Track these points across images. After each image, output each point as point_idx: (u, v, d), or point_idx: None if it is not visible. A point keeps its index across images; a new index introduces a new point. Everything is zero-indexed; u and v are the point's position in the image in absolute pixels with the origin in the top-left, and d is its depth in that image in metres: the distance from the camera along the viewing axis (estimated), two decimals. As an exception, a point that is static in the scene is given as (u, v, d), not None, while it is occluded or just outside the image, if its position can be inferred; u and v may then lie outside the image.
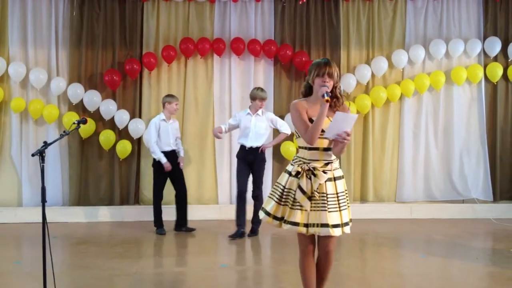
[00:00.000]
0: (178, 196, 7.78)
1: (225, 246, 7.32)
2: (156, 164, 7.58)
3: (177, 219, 7.78)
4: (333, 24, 9.04)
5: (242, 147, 7.37)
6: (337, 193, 3.83)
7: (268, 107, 8.90)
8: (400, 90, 8.98)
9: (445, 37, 9.11)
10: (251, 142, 7.29)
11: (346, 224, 3.85)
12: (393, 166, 9.15)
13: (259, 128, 7.33)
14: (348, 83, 8.84)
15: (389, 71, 9.07)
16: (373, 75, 8.98)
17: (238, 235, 7.20)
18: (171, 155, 7.60)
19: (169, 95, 7.81)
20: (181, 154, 7.83)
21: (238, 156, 7.45)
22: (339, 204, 3.82)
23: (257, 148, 7.30)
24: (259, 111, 7.36)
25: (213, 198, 8.94)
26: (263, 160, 7.41)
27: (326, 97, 3.64)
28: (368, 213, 8.67)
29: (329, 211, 3.75)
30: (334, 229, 3.73)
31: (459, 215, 8.79)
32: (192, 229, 7.73)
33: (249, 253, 6.79)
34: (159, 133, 7.55)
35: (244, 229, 7.27)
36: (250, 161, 7.30)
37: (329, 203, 3.77)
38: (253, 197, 7.30)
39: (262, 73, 9.04)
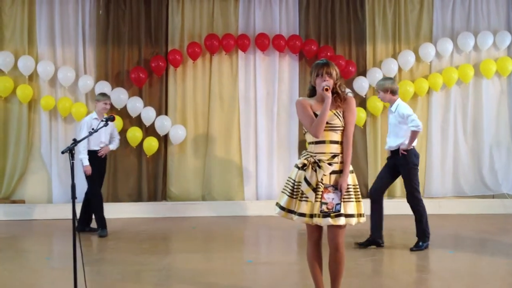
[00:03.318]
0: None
1: (251, 242, 7.36)
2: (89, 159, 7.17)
3: (86, 218, 7.49)
4: (358, 18, 8.98)
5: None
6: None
7: (293, 103, 8.87)
8: (427, 84, 8.87)
9: (474, 30, 8.98)
10: (386, 143, 6.40)
11: (352, 215, 3.95)
12: (421, 161, 8.99)
13: (392, 125, 6.30)
14: (375, 77, 8.75)
15: (416, 65, 8.98)
16: (400, 69, 8.90)
17: (369, 243, 6.37)
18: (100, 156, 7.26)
19: (99, 94, 7.53)
20: (111, 146, 7.42)
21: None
22: (356, 195, 4.00)
23: (396, 150, 6.20)
24: (393, 106, 6.26)
25: (239, 195, 8.95)
26: (406, 163, 6.16)
27: (326, 86, 3.89)
28: (395, 208, 8.54)
29: None
30: (336, 218, 3.87)
31: (489, 210, 8.65)
32: (95, 229, 7.29)
33: (275, 249, 6.79)
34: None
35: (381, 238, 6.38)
36: (391, 164, 6.33)
37: None
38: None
39: (287, 69, 9.03)
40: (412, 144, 6.13)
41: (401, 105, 6.20)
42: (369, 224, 6.26)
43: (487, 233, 7.24)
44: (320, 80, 3.97)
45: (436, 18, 9.05)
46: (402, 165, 6.17)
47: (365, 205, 4.13)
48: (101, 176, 7.43)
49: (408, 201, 6.27)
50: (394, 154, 6.23)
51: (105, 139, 7.35)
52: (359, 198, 4.02)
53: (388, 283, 5.00)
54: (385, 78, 6.43)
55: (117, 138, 7.58)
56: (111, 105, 8.27)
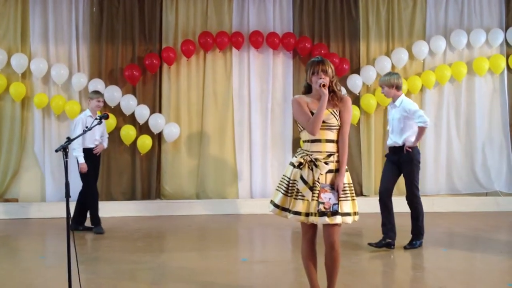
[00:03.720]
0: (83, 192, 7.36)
1: (245, 240, 7.37)
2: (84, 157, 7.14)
3: (80, 216, 7.39)
4: (352, 15, 9.00)
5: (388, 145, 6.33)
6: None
7: (288, 101, 8.90)
8: (421, 81, 8.91)
9: (466, 27, 9.02)
10: (389, 140, 6.22)
11: (348, 214, 3.96)
12: (414, 159, 9.07)
13: (396, 121, 6.13)
14: (368, 75, 8.79)
15: (409, 62, 9.01)
16: (393, 67, 8.92)
17: (382, 244, 6.12)
18: (95, 153, 7.29)
19: (92, 92, 7.56)
20: (104, 144, 7.48)
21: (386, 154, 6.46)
22: (352, 193, 4.00)
23: (401, 147, 6.07)
24: (397, 101, 6.14)
25: (234, 193, 8.95)
26: (409, 160, 6.07)
27: (322, 83, 3.88)
28: None
29: None
30: (333, 217, 3.87)
31: (482, 208, 8.69)
32: (90, 228, 7.33)
33: (269, 247, 6.79)
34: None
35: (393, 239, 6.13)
36: (395, 161, 6.18)
37: None
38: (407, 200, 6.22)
39: (281, 66, 9.03)
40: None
41: (406, 100, 6.13)
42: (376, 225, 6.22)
43: (481, 230, 7.28)
44: (316, 78, 3.96)
45: (429, 16, 9.08)
46: (406, 162, 6.05)
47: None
48: (96, 173, 7.43)
49: (407, 199, 6.17)
50: (398, 150, 6.08)
51: (99, 136, 7.36)
52: (353, 196, 4.03)
53: (383, 281, 5.02)
54: (391, 73, 6.26)
55: (106, 136, 7.60)
56: (105, 102, 8.24)
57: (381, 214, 6.18)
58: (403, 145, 6.03)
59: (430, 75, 8.89)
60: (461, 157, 9.11)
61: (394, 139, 6.12)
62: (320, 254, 4.12)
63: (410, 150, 6.02)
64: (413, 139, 6.05)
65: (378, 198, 6.23)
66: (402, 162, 6.09)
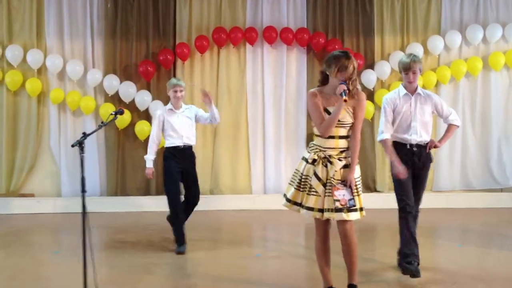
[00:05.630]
0: (186, 204, 6.23)
1: (259, 236, 7.38)
2: (165, 158, 6.10)
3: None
4: (366, 10, 8.94)
5: (401, 145, 4.94)
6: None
7: (301, 96, 8.88)
8: (436, 77, 8.84)
9: (482, 22, 8.92)
10: (417, 136, 4.92)
11: (361, 209, 4.01)
12: (429, 155, 9.01)
13: (425, 114, 4.97)
14: (383, 70, 8.75)
15: (424, 57, 8.92)
16: (408, 62, 8.83)
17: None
18: (183, 153, 6.09)
19: (168, 82, 6.31)
20: (214, 116, 6.16)
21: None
22: (357, 189, 3.99)
23: (424, 145, 4.96)
24: (419, 90, 4.97)
25: (247, 188, 8.97)
26: (429, 161, 5.05)
27: (345, 97, 3.79)
28: (386, 202, 8.56)
29: None
30: (349, 213, 3.89)
31: (497, 204, 8.61)
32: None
33: (283, 243, 6.79)
34: (164, 126, 6.12)
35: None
36: (413, 163, 4.91)
37: None
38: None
39: (294, 62, 9.01)
40: None
41: (428, 91, 5.19)
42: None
43: (495, 226, 7.23)
44: (341, 75, 3.86)
45: (444, 10, 9.00)
46: (426, 163, 4.99)
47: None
48: (184, 180, 6.18)
49: (416, 208, 5.00)
50: (422, 149, 4.93)
51: (189, 131, 6.14)
52: (359, 192, 4.04)
53: (396, 277, 5.00)
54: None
55: (208, 114, 6.22)
56: (120, 98, 8.27)
57: (407, 230, 4.90)
58: (425, 144, 4.98)
59: (446, 70, 8.82)
60: (476, 152, 9.03)
61: (424, 137, 4.94)
62: (336, 249, 4.13)
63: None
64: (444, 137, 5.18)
65: (400, 207, 4.92)
66: (423, 164, 4.98)
